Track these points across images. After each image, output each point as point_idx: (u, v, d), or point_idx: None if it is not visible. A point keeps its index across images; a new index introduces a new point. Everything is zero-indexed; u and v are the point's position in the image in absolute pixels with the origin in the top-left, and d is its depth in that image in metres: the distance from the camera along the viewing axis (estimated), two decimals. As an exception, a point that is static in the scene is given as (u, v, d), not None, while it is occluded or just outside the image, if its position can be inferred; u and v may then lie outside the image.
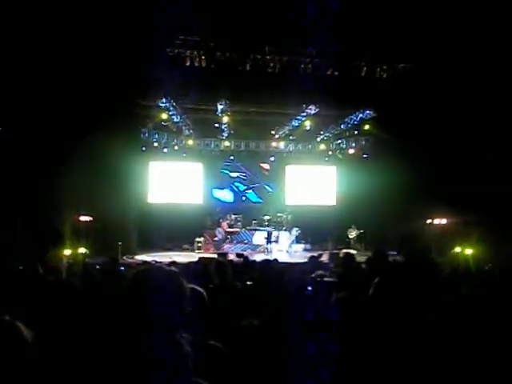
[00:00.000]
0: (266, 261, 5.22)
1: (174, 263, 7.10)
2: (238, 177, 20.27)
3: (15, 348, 1.33)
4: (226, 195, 20.24)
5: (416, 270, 3.61)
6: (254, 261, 6.24)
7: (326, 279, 2.06)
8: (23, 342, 1.35)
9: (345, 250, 14.03)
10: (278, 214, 19.11)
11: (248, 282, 3.75)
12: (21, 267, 5.12)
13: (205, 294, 2.18)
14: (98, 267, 6.15)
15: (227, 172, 20.17)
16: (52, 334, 1.81)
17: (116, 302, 1.39)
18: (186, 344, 1.34)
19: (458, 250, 12.13)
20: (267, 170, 20.35)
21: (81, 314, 1.98)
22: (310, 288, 1.80)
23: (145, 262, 7.87)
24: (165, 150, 18.30)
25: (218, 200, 20.05)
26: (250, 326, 2.37)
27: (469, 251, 11.45)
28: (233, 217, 18.38)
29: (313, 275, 2.56)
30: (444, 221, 15.38)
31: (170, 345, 1.30)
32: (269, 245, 17.31)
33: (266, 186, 20.41)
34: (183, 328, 1.38)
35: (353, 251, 16.32)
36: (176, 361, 1.29)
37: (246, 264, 5.46)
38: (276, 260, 5.90)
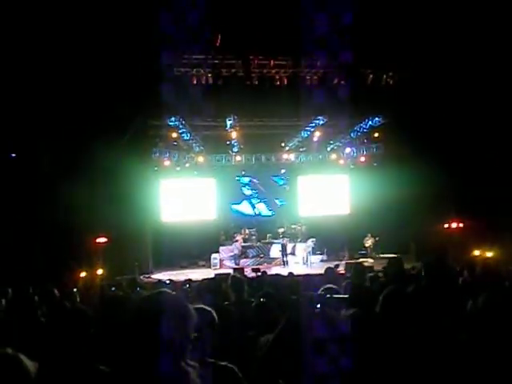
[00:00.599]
0: (277, 275, 5.18)
1: (189, 281, 7.13)
2: (251, 194, 20.37)
3: (17, 381, 1.33)
4: (247, 208, 20.31)
5: (432, 278, 3.56)
6: (262, 276, 6.19)
7: (335, 296, 2.03)
8: (25, 375, 1.35)
9: (360, 260, 13.93)
10: (293, 226, 19.03)
11: (262, 299, 3.71)
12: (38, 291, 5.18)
13: (214, 313, 2.16)
14: (113, 289, 6.18)
15: (241, 190, 20.29)
16: (59, 364, 1.81)
17: (122, 332, 1.38)
18: (192, 372, 1.31)
19: (476, 253, 11.96)
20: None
21: (88, 343, 1.97)
22: (318, 306, 1.78)
23: (159, 281, 7.87)
24: (177, 168, 18.41)
25: (240, 214, 20.09)
26: (266, 343, 2.34)
27: (488, 254, 11.27)
28: (247, 231, 18.35)
29: (320, 291, 2.53)
30: (461, 224, 15.17)
31: (176, 373, 1.28)
32: (285, 257, 17.22)
33: (276, 200, 20.40)
34: (190, 353, 1.35)
35: (370, 260, 16.27)
36: None
37: (261, 279, 5.43)
38: (291, 273, 5.86)
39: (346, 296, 2.03)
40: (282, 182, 20.41)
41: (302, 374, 1.59)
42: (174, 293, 1.49)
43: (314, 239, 17.97)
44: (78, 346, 1.91)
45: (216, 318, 2.12)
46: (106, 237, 14.50)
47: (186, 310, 1.43)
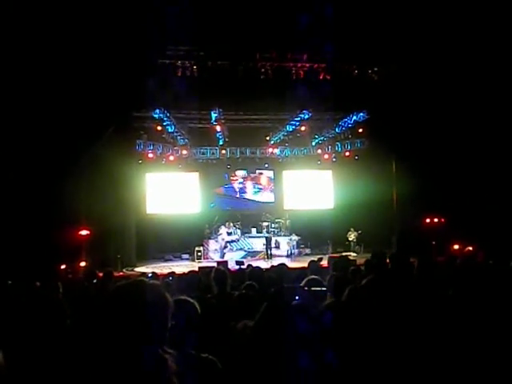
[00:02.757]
0: (259, 268, 5.21)
1: (172, 274, 7.10)
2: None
3: None
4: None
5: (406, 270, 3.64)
6: (246, 268, 6.22)
7: (313, 288, 2.06)
8: None
9: (344, 254, 14.06)
10: (277, 220, 19.10)
11: (243, 291, 3.74)
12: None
13: (197, 305, 2.16)
14: (94, 281, 6.14)
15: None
16: (34, 355, 1.80)
17: (99, 320, 1.38)
18: (170, 359, 1.32)
19: (456, 247, 12.18)
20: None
21: (64, 334, 1.96)
22: (297, 298, 1.80)
23: (142, 274, 7.83)
24: (163, 161, 18.27)
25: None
26: (244, 328, 2.36)
27: (468, 248, 11.49)
28: (231, 224, 18.34)
29: (304, 282, 2.55)
30: (442, 219, 15.41)
31: (153, 360, 1.28)
32: (269, 251, 17.30)
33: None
34: (170, 343, 1.36)
35: (353, 254, 16.42)
36: (159, 376, 1.27)
37: (244, 272, 5.45)
38: (273, 266, 5.90)
39: (324, 289, 2.06)
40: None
41: (282, 363, 1.61)
42: (151, 281, 1.48)
43: (297, 236, 18.18)
44: (53, 337, 1.90)
45: (199, 309, 2.12)
46: (88, 229, 14.37)
47: (164, 298, 1.43)
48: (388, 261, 4.85)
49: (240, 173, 20.34)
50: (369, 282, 2.01)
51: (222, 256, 16.88)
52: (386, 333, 1.84)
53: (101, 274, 6.50)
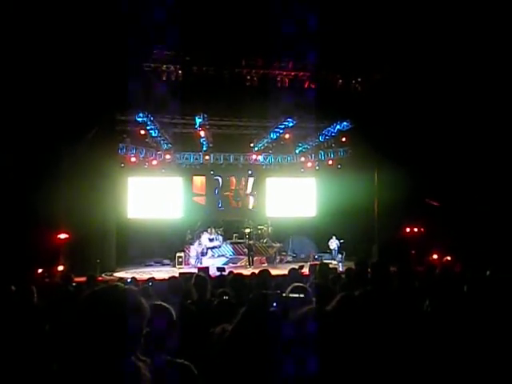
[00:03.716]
0: (240, 275, 5.19)
1: (152, 279, 7.02)
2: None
3: None
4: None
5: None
6: (227, 275, 6.20)
7: (291, 295, 2.06)
8: None
9: (325, 261, 14.10)
10: (259, 227, 19.09)
11: (225, 297, 3.72)
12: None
13: (172, 310, 2.14)
14: (74, 284, 6.04)
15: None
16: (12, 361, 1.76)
17: (73, 325, 1.34)
18: (143, 367, 1.29)
19: (434, 256, 12.34)
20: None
21: (43, 339, 1.91)
22: (274, 304, 1.80)
23: (121, 279, 7.71)
24: (145, 165, 18.14)
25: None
26: (222, 332, 2.34)
27: (446, 258, 11.66)
28: (213, 230, 18.27)
29: (289, 289, 2.55)
30: (422, 229, 15.61)
31: (125, 368, 1.25)
32: (251, 257, 17.27)
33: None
34: (144, 349, 1.33)
35: (334, 262, 16.49)
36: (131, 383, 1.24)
37: (223, 278, 5.43)
38: (254, 273, 5.88)
39: (302, 295, 2.06)
40: None
41: (260, 366, 1.60)
42: (127, 286, 1.45)
43: (280, 243, 18.23)
44: (31, 342, 1.86)
45: (174, 315, 2.09)
46: (67, 233, 14.14)
47: (139, 304, 1.40)
48: (369, 269, 4.89)
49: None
50: (364, 294, 2.02)
51: (200, 262, 16.80)
52: (372, 342, 1.85)
53: (78, 279, 6.39)
